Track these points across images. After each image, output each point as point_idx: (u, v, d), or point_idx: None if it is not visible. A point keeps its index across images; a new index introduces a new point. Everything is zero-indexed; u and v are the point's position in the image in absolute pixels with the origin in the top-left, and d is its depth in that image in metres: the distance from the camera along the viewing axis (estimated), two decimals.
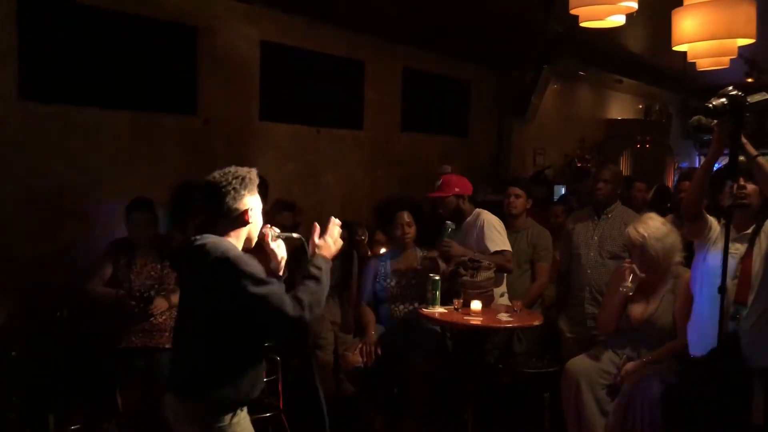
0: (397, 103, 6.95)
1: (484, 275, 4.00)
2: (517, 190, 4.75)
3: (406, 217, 4.44)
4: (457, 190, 4.33)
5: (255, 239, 2.49)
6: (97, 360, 3.77)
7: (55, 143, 4.29)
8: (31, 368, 3.78)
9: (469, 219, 4.32)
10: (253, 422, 3.97)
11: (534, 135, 8.73)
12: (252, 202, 2.43)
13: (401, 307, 4.35)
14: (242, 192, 2.38)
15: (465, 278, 3.98)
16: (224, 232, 2.39)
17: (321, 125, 6.14)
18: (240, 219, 2.40)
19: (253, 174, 2.44)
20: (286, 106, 5.83)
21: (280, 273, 2.56)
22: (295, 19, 5.69)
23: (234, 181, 2.36)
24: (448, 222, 4.23)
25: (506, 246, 4.21)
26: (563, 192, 8.05)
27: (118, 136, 4.61)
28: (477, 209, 4.37)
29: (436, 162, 7.01)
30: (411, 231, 4.44)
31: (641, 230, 3.57)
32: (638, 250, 3.58)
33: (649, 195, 5.97)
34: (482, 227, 4.23)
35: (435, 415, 4.13)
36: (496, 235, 4.20)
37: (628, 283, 3.53)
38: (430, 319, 3.88)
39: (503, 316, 3.83)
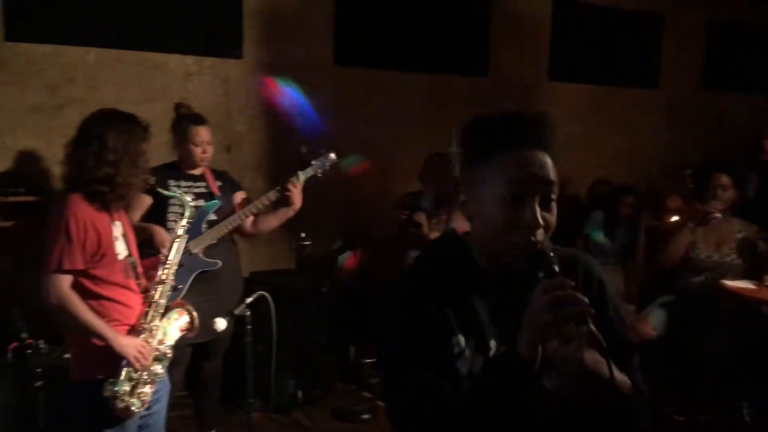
0: (699, 59, 6.33)
1: None
2: None
3: (724, 179, 3.90)
4: None
5: None
6: None
7: (360, 104, 4.74)
8: (337, 302, 4.30)
9: None
10: None
11: None
12: None
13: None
14: None
15: None
16: None
17: (612, 84, 5.88)
18: None
19: None
20: (576, 65, 5.68)
21: None
22: None
23: None
24: None
25: None
26: None
27: (414, 98, 4.93)
28: None
29: (745, 125, 6.25)
30: (726, 195, 3.91)
31: None
32: None
33: None
34: None
35: (725, 398, 3.79)
36: None
37: None
38: (735, 294, 3.53)
39: None
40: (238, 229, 3.39)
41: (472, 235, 1.32)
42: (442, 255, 1.35)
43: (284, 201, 3.27)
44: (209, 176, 3.37)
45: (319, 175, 3.36)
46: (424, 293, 1.26)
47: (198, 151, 3.25)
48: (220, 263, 3.26)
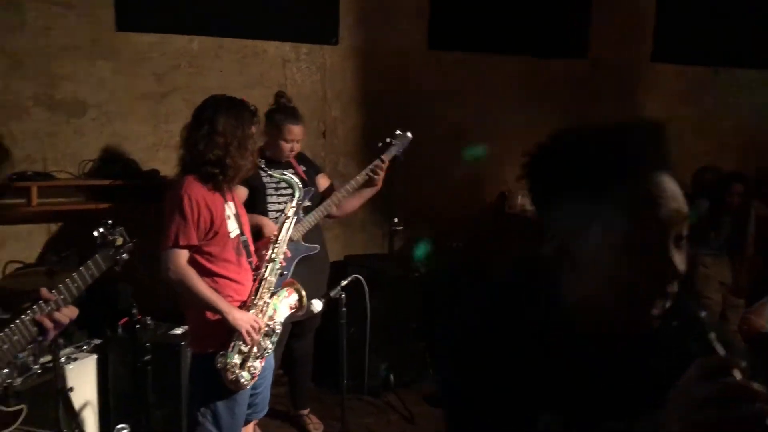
0: None
1: None
2: None
3: None
4: None
5: None
6: None
7: (454, 88, 4.69)
8: (425, 288, 4.28)
9: None
10: None
11: None
12: None
13: None
14: None
15: None
16: None
17: (720, 64, 5.54)
18: None
19: None
20: (681, 45, 5.38)
21: None
22: None
23: None
24: None
25: None
26: None
27: (509, 81, 4.83)
28: None
29: None
30: None
31: None
32: None
33: None
34: None
35: None
36: None
37: None
38: None
39: None
40: None
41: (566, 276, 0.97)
42: (527, 290, 1.00)
43: (368, 182, 3.34)
44: (294, 162, 3.40)
45: (399, 156, 3.38)
46: (504, 338, 0.94)
47: (287, 147, 3.28)
48: (318, 247, 3.33)
